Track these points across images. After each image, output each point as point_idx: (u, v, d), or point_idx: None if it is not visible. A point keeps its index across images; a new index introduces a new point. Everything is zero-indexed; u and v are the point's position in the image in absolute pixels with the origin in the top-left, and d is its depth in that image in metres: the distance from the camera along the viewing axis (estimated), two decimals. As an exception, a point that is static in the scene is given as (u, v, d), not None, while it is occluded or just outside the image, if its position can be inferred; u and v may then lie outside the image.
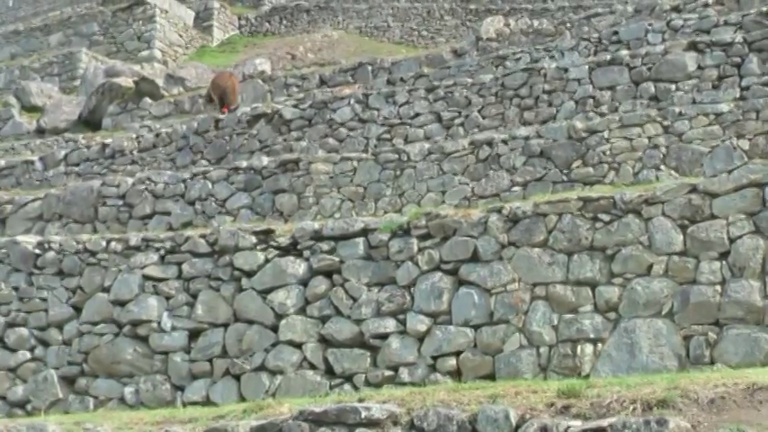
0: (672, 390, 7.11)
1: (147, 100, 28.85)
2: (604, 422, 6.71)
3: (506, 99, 18.03)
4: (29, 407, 13.30)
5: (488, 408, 7.26)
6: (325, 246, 12.19)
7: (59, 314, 13.60)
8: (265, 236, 12.69)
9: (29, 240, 14.31)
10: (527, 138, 15.62)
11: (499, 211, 11.38)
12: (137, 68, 32.36)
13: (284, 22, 41.93)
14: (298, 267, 12.28)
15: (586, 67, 17.62)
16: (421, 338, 11.33)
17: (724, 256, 10.08)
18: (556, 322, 10.66)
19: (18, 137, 28.93)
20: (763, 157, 12.97)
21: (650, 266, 10.37)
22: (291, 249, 12.48)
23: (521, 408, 7.27)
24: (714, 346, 9.87)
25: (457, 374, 10.96)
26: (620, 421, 6.61)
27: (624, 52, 17.85)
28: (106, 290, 13.37)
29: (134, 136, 22.14)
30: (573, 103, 17.37)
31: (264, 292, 12.36)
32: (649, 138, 14.87)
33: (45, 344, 13.62)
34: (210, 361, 12.50)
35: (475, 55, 25.65)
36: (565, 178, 15.09)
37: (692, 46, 16.95)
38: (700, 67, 16.65)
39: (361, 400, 8.10)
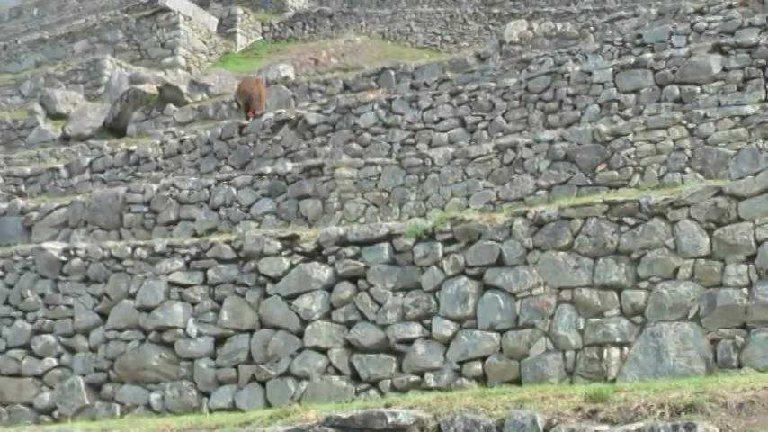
0: (700, 394, 7.08)
1: (171, 106, 28.95)
2: (632, 427, 6.68)
3: (530, 103, 18.00)
4: (56, 413, 13.36)
5: (515, 413, 7.24)
6: (349, 251, 12.19)
7: (85, 321, 13.65)
8: (290, 241, 12.70)
9: (55, 247, 14.37)
10: (551, 141, 15.58)
11: (524, 215, 11.35)
12: (161, 75, 32.52)
13: (307, 27, 41.99)
14: (323, 273, 12.29)
15: (610, 70, 17.58)
16: (446, 343, 11.32)
17: (751, 259, 10.02)
18: (582, 326, 10.62)
19: (43, 144, 29.10)
20: (789, 159, 12.90)
21: (676, 270, 10.32)
22: (316, 255, 12.48)
23: (548, 412, 7.25)
24: (742, 349, 9.81)
25: (483, 379, 10.92)
26: (649, 426, 6.58)
27: (648, 55, 17.81)
28: (132, 296, 13.41)
29: (158, 142, 22.23)
30: (597, 107, 17.33)
31: (290, 298, 12.36)
32: (674, 141, 14.81)
33: (71, 351, 13.67)
34: (236, 367, 12.51)
35: (498, 59, 25.63)
36: (589, 182, 15.04)
37: (717, 48, 16.88)
38: (724, 70, 16.58)
39: (387, 406, 8.09)
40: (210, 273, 13.01)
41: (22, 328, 13.92)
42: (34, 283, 14.11)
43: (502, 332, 11.01)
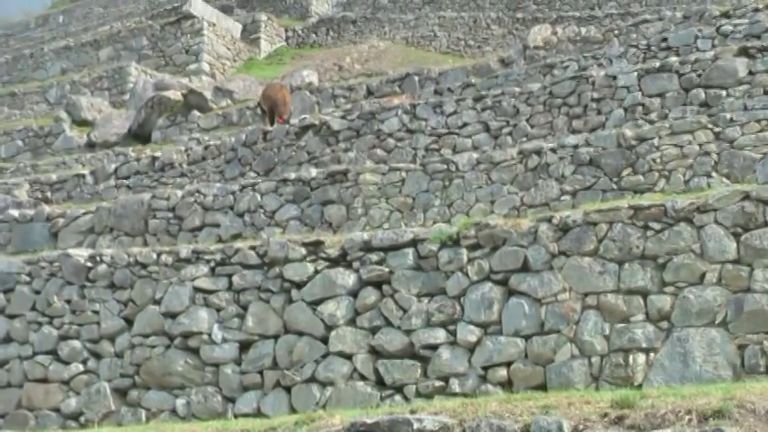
0: (728, 400, 7.04)
1: (196, 113, 29.05)
2: (659, 433, 6.66)
3: (554, 108, 17.96)
4: (82, 419, 13.41)
5: (541, 419, 7.22)
6: (374, 256, 12.18)
7: (111, 326, 13.70)
8: (315, 247, 12.71)
9: (81, 253, 14.43)
10: (576, 146, 15.53)
11: (549, 220, 11.31)
12: (185, 81, 32.63)
13: (331, 33, 42.02)
14: (347, 278, 12.29)
15: (635, 74, 17.49)
16: (471, 349, 11.29)
17: (778, 263, 9.96)
18: (607, 332, 10.57)
19: (69, 151, 29.27)
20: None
21: (703, 275, 10.26)
22: (341, 260, 12.49)
23: (574, 418, 7.22)
24: (770, 355, 9.76)
25: (508, 385, 10.90)
26: (676, 432, 6.56)
27: (673, 59, 17.72)
28: (157, 302, 13.45)
29: (183, 149, 22.29)
30: (622, 111, 17.26)
31: (314, 304, 12.37)
32: (700, 145, 14.72)
33: (97, 356, 13.72)
34: (261, 373, 12.52)
35: (522, 64, 25.59)
36: (615, 186, 14.97)
37: (743, 51, 16.79)
38: (751, 73, 16.49)
39: (412, 412, 8.09)
40: (235, 278, 13.03)
41: (49, 333, 13.98)
42: (61, 289, 14.17)
43: (527, 338, 10.98)
